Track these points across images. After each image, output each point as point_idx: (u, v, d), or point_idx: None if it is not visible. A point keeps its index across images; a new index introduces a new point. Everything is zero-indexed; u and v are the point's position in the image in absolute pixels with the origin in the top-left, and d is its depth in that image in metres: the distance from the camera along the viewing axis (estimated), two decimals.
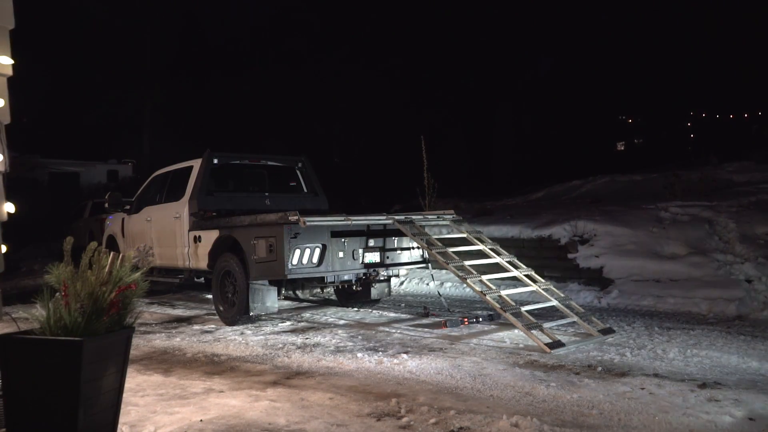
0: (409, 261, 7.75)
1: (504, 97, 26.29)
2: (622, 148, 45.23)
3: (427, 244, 6.84)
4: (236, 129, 29.27)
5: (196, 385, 4.60)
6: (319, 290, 8.31)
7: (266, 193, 8.84)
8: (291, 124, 28.63)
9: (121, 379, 3.27)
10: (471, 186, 21.51)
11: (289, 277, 6.60)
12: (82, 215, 17.89)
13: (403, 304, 8.57)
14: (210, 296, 8.40)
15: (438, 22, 26.70)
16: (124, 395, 3.37)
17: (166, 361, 5.48)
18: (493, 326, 6.67)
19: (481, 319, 6.89)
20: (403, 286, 10.18)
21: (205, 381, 4.73)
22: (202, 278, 8.43)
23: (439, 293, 8.38)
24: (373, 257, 7.30)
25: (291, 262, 6.52)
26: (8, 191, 7.53)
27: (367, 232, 7.26)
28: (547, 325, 5.87)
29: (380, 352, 5.53)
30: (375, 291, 8.17)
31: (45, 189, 25.73)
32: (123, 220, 9.87)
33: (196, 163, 8.40)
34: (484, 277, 6.33)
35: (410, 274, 10.19)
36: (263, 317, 7.46)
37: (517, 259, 7.10)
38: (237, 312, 7.14)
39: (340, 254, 6.97)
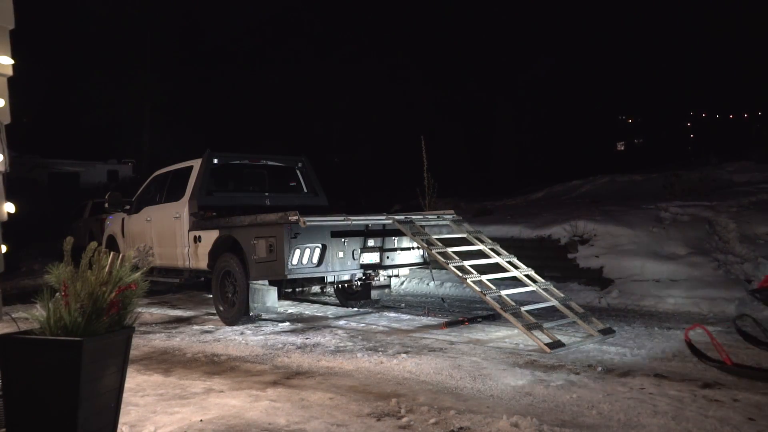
0: (409, 261, 7.75)
1: (504, 97, 26.27)
2: (622, 148, 45.24)
3: (427, 244, 6.84)
4: (236, 129, 29.28)
5: (196, 385, 4.60)
6: (319, 290, 8.31)
7: (266, 193, 8.85)
8: (291, 124, 28.63)
9: (121, 379, 3.27)
10: (471, 186, 21.51)
11: (289, 277, 6.60)
12: (82, 215, 17.89)
13: (403, 304, 8.57)
14: (210, 296, 8.40)
15: (438, 22, 26.69)
16: (124, 395, 3.37)
17: (166, 361, 5.48)
18: (493, 326, 6.68)
19: (481, 319, 6.89)
20: (403, 286, 10.18)
21: (205, 381, 4.73)
22: (202, 278, 8.43)
23: (440, 296, 8.38)
24: (373, 257, 7.30)
25: (291, 262, 6.52)
26: (8, 191, 7.53)
27: (367, 232, 7.26)
28: (547, 325, 5.88)
29: (380, 352, 5.53)
30: (375, 291, 8.16)
31: (45, 189, 25.79)
32: (123, 220, 9.87)
33: (196, 163, 8.41)
34: (484, 277, 6.32)
35: (410, 274, 10.18)
36: (263, 317, 7.46)
37: (517, 259, 7.10)
38: (237, 312, 7.15)
39: (340, 254, 6.97)
